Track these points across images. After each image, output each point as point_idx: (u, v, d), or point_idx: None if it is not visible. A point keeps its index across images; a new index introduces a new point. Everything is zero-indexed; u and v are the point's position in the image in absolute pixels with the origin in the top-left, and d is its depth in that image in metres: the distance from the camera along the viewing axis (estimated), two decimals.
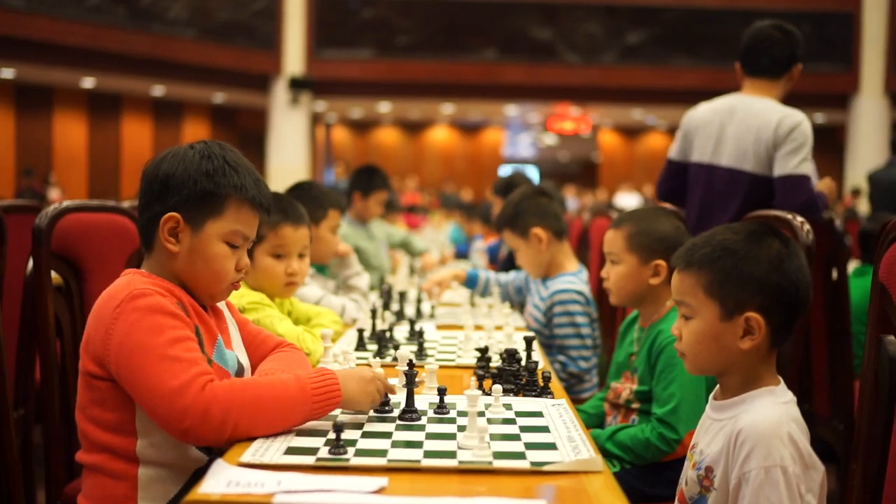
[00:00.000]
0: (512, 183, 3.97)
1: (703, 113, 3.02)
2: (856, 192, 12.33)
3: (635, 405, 2.00)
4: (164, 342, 1.30)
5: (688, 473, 1.45)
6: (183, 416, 1.25)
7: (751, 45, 3.00)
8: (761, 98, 2.95)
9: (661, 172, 3.18)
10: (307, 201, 2.67)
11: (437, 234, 7.80)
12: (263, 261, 2.06)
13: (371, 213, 4.18)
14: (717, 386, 1.48)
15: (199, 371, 1.29)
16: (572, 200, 14.81)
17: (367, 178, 4.12)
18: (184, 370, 1.28)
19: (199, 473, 1.31)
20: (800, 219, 2.01)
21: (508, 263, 3.77)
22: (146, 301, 1.33)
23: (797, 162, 2.78)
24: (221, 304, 1.57)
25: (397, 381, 1.64)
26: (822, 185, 3.02)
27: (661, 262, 2.02)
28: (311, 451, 1.24)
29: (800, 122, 2.83)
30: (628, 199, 11.51)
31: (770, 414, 1.34)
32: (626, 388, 2.04)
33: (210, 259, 1.43)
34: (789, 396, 1.41)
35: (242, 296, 1.98)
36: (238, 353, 1.53)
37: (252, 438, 1.28)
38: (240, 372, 1.50)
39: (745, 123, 2.89)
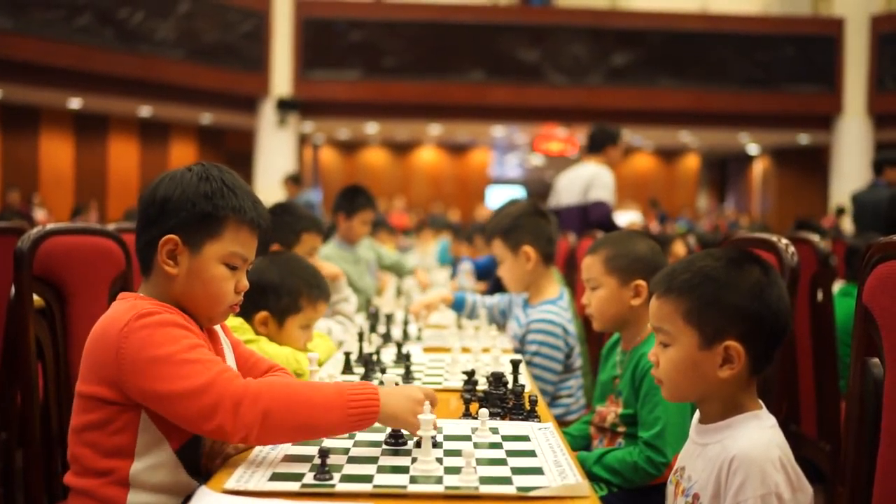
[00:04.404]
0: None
1: (564, 176, 5.34)
2: (840, 212, 12.43)
3: (621, 429, 1.99)
4: (183, 348, 1.31)
5: (676, 501, 1.44)
6: (214, 410, 1.26)
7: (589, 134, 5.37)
8: (587, 164, 5.25)
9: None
10: (277, 226, 2.65)
11: (425, 256, 7.78)
12: (294, 332, 2.10)
13: (356, 235, 4.08)
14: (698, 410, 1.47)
15: (223, 368, 1.31)
16: None
17: (351, 199, 4.02)
18: (208, 369, 1.29)
19: (187, 501, 1.30)
20: (784, 241, 2.02)
21: (496, 284, 3.77)
22: (155, 318, 1.33)
23: (595, 194, 5.01)
24: (216, 326, 1.55)
25: None
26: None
27: (641, 283, 2.03)
28: (297, 476, 1.23)
29: (598, 173, 5.07)
30: (628, 216, 11.39)
31: (760, 440, 1.32)
32: (611, 411, 2.03)
33: (208, 281, 1.42)
34: (773, 420, 1.39)
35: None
36: None
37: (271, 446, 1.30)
38: None
39: (579, 178, 5.15)
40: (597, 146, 5.25)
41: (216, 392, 1.27)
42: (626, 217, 5.70)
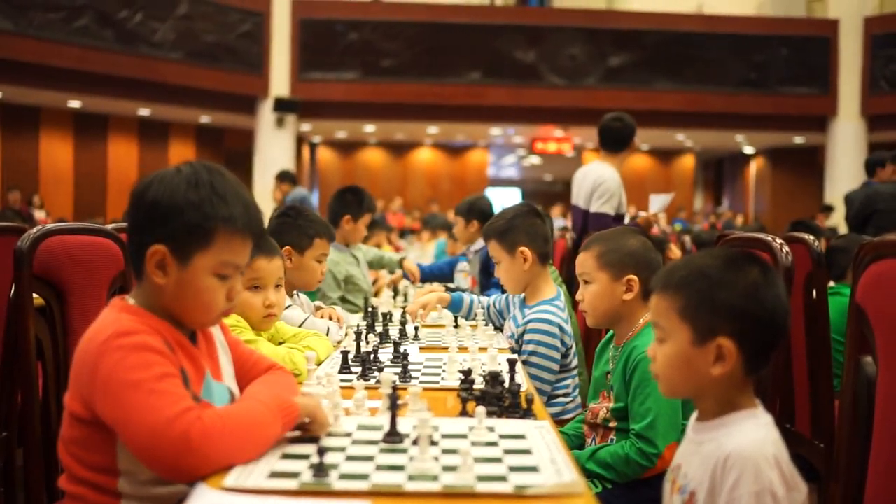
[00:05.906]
0: (476, 205, 4.43)
1: (577, 173, 4.82)
2: (827, 209, 12.47)
3: (612, 423, 2.01)
4: (152, 377, 1.27)
5: (672, 498, 1.45)
6: (169, 451, 1.22)
7: (600, 131, 4.68)
8: (602, 164, 4.68)
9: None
10: (291, 229, 2.64)
11: (423, 257, 7.79)
12: (240, 294, 2.06)
13: (359, 237, 4.11)
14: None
15: (185, 406, 1.25)
16: (558, 220, 14.87)
17: (359, 202, 4.04)
18: (173, 403, 1.25)
19: (182, 501, 1.30)
20: (779, 241, 2.04)
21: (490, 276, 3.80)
22: (132, 339, 1.30)
23: (598, 205, 4.56)
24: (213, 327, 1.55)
25: (381, 404, 1.64)
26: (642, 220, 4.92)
27: (633, 277, 2.05)
28: (294, 475, 1.24)
29: (601, 178, 4.55)
30: (660, 200, 11.38)
31: (754, 437, 1.33)
32: (602, 407, 2.05)
33: (198, 292, 1.39)
34: (769, 418, 1.40)
35: None
36: (228, 381, 1.51)
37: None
38: (231, 402, 1.48)
39: (587, 180, 4.65)
40: (618, 144, 4.66)
41: (174, 433, 1.22)
42: (659, 200, 5.30)
